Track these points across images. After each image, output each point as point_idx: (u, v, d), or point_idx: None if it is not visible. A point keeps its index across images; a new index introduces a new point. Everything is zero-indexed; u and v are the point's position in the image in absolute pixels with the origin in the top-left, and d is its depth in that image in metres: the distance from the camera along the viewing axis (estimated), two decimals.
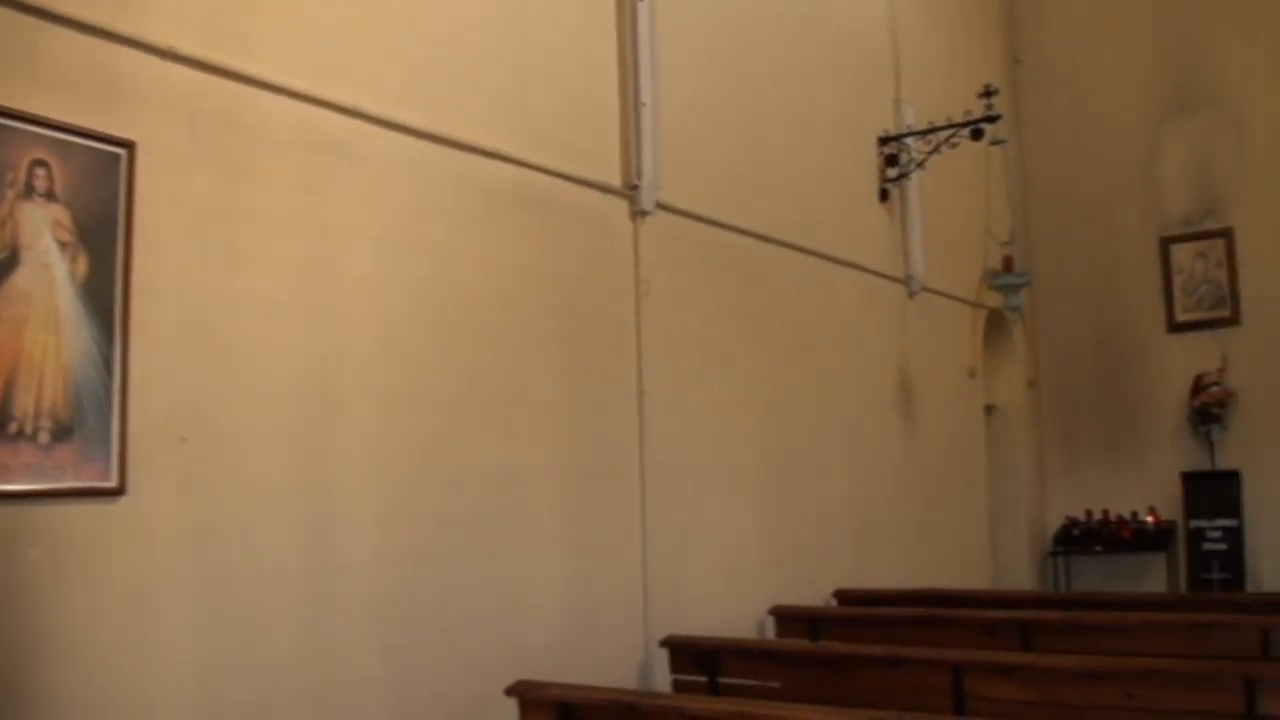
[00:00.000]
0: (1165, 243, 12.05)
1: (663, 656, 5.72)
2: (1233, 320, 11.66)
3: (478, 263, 5.06)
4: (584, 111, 5.82)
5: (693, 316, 6.43)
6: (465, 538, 4.87)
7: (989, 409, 11.20)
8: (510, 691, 4.58)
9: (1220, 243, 11.78)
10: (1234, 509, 10.75)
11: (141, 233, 3.75)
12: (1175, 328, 11.96)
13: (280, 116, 4.27)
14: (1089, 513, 11.85)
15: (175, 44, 3.90)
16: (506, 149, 5.21)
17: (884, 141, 8.78)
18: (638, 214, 5.97)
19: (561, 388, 5.46)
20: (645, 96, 6.03)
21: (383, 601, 4.51)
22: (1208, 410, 11.41)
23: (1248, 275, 11.65)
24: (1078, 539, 11.76)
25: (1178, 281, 11.98)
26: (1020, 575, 11.41)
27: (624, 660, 5.73)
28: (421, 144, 4.83)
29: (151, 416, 3.74)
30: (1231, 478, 10.95)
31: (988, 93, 8.39)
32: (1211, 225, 11.83)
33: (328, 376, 4.36)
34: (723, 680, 5.50)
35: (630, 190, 5.94)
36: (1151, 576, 11.72)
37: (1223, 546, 10.65)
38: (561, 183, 5.55)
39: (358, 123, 4.55)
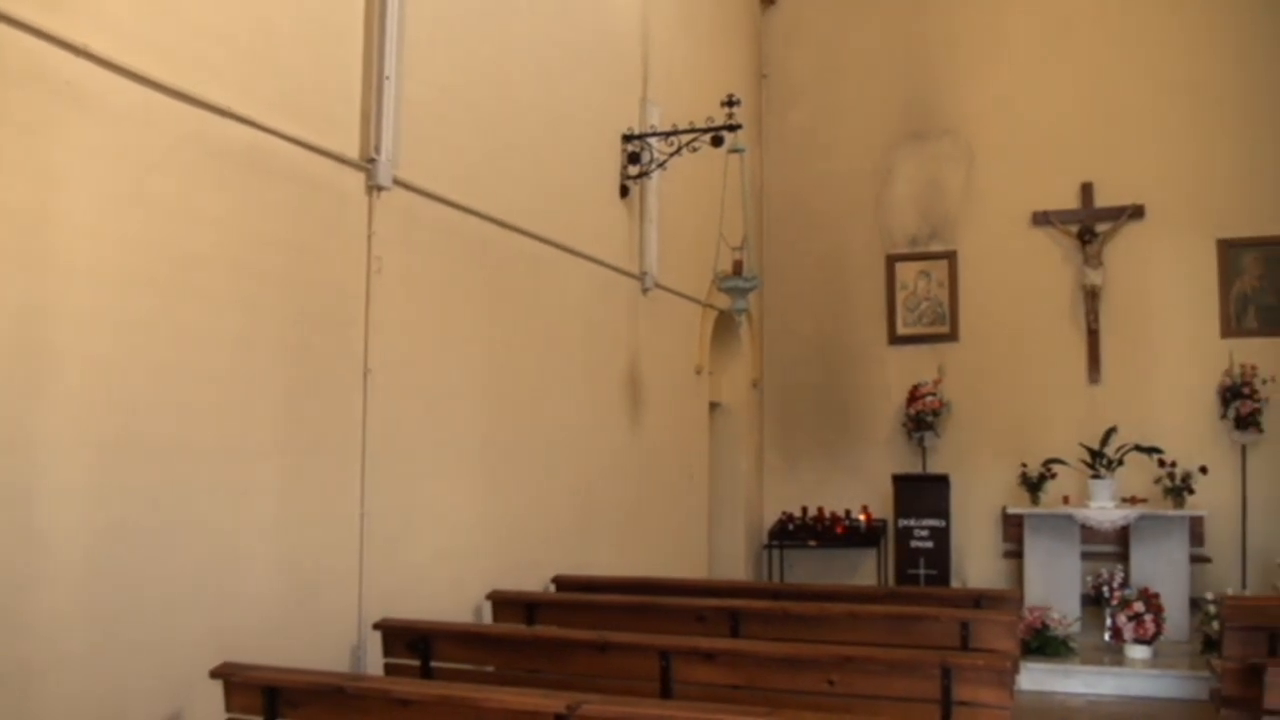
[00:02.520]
0: (892, 260, 12.74)
1: (376, 640, 5.64)
2: (951, 337, 12.45)
3: (204, 225, 4.81)
4: (327, 79, 5.62)
5: (425, 297, 6.34)
6: (175, 512, 4.62)
7: (714, 406, 11.54)
8: (215, 673, 4.45)
9: (943, 264, 12.54)
10: (942, 510, 11.41)
11: None
12: (896, 340, 12.66)
13: (3, 46, 3.93)
14: (805, 509, 12.42)
15: None
16: (243, 109, 4.97)
17: (628, 139, 8.90)
18: (374, 188, 5.81)
19: (284, 361, 5.26)
20: (390, 70, 5.88)
21: (86, 576, 4.23)
22: (922, 418, 12.11)
23: (967, 296, 12.46)
24: (793, 534, 12.28)
25: (901, 297, 12.67)
26: (737, 567, 11.81)
27: (337, 643, 5.58)
28: (154, 94, 4.54)
29: None
30: (941, 481, 11.64)
31: (730, 102, 8.62)
32: (936, 247, 12.58)
33: (33, 332, 4.04)
34: (435, 664, 5.47)
35: (368, 164, 5.78)
36: (862, 571, 12.38)
37: (930, 545, 11.29)
38: (297, 150, 5.34)
39: (87, 63, 4.23)
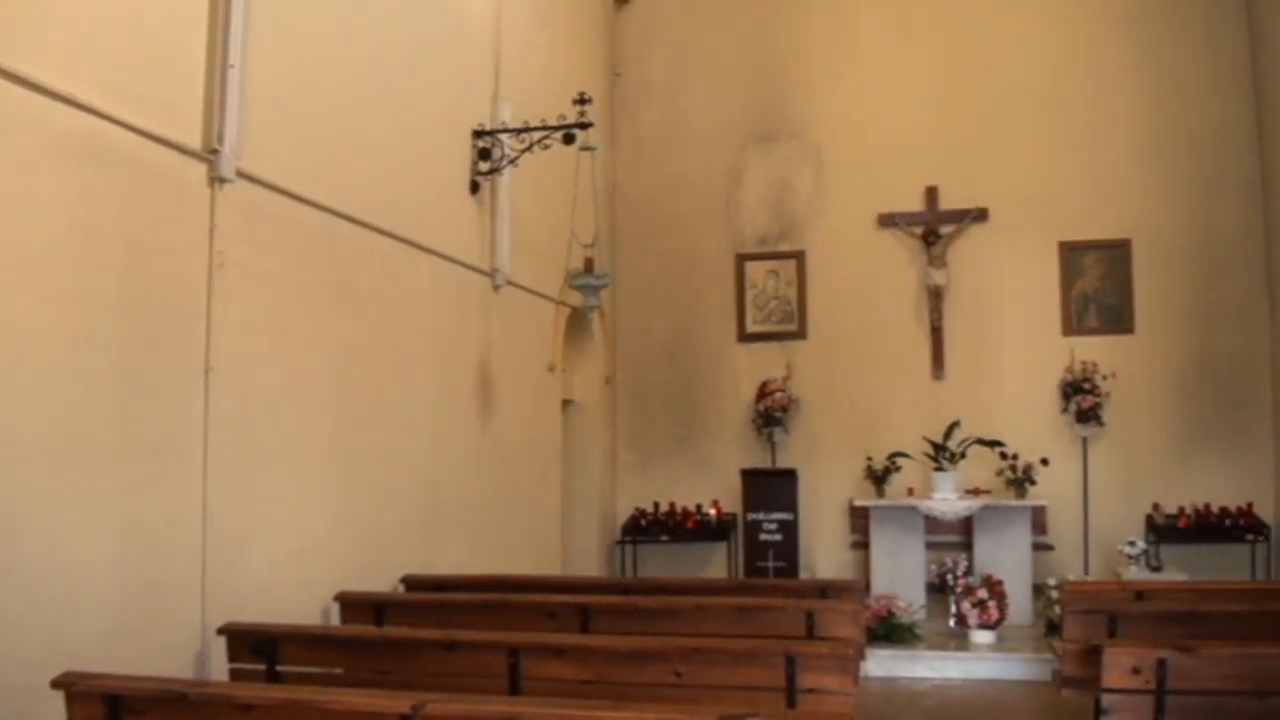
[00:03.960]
0: (741, 259, 12.94)
1: (222, 645, 5.49)
2: (799, 335, 12.71)
3: (38, 215, 4.61)
4: (168, 66, 5.43)
5: (269, 293, 6.18)
6: (7, 514, 4.43)
7: (567, 403, 11.56)
8: (56, 683, 4.27)
9: (792, 263, 12.78)
10: (790, 504, 11.56)
11: None
12: (745, 338, 12.86)
13: None
14: (657, 504, 12.54)
15: None
16: (79, 94, 4.77)
17: (479, 135, 8.84)
18: (216, 180, 5.64)
19: (123, 358, 5.07)
20: (234, 58, 5.70)
21: None
22: (771, 414, 12.33)
23: (814, 295, 12.73)
24: (646, 529, 12.38)
25: (750, 295, 12.87)
26: (590, 563, 11.86)
27: (182, 649, 5.42)
28: None
29: None
30: (789, 476, 11.82)
31: (582, 100, 8.63)
32: (785, 247, 12.82)
33: None
34: (282, 668, 5.35)
35: (210, 155, 5.60)
36: (714, 564, 12.57)
37: (778, 537, 11.45)
38: (138, 139, 5.15)
39: None
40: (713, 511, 12.38)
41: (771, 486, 11.69)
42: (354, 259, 7.10)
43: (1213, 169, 11.99)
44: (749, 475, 11.90)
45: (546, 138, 8.71)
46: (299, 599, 6.37)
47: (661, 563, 12.57)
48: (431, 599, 6.79)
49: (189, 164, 5.55)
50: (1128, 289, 12.13)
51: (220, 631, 5.49)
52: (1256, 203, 11.85)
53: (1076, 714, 6.85)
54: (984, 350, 12.34)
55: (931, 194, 12.53)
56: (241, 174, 5.83)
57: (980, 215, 12.36)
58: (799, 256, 12.83)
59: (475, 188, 8.84)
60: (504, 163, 8.91)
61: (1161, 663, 4.68)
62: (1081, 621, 6.18)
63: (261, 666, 5.38)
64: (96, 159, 4.96)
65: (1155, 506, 11.56)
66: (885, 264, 12.61)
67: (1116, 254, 12.16)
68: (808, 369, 12.65)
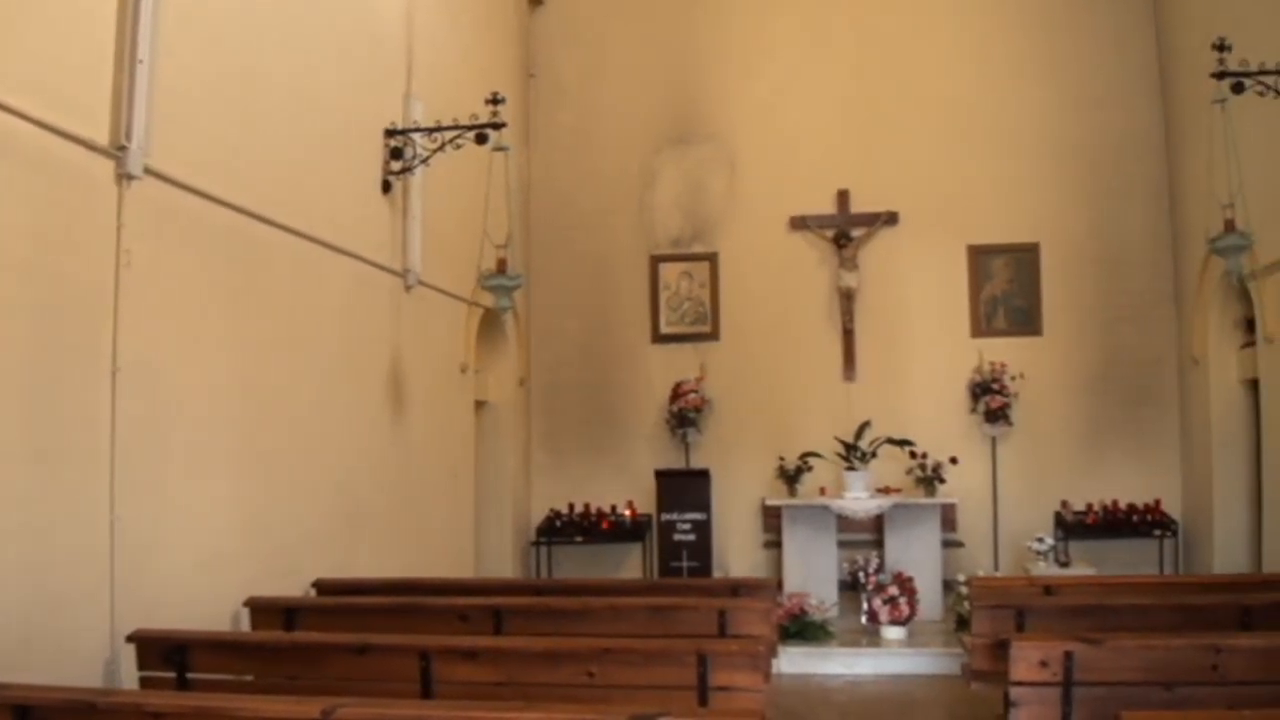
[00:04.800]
0: (655, 260, 13.01)
1: (132, 652, 5.39)
2: (712, 336, 12.82)
3: None
4: (76, 61, 5.30)
5: (178, 292, 6.05)
6: None
7: (480, 404, 11.51)
8: None
9: (705, 265, 12.88)
10: (703, 504, 11.68)
11: None
12: (660, 339, 12.93)
13: None
14: (572, 506, 12.56)
15: None
16: None
17: (391, 134, 8.76)
18: (124, 177, 5.50)
19: (26, 358, 4.94)
20: (143, 53, 5.57)
21: None
22: (685, 415, 12.40)
23: (728, 296, 12.84)
24: (560, 530, 12.40)
25: (664, 297, 12.94)
26: (504, 565, 11.85)
27: (91, 657, 5.29)
28: None
29: None
30: (702, 476, 11.91)
31: (495, 100, 8.60)
32: (699, 249, 12.91)
33: None
34: (193, 675, 5.28)
35: (118, 151, 5.47)
36: (628, 565, 12.63)
37: (692, 537, 11.56)
38: (43, 134, 5.01)
39: None
40: (627, 512, 12.43)
41: (685, 487, 11.77)
42: (264, 258, 6.99)
43: (1121, 176, 12.34)
44: (663, 476, 11.96)
45: (459, 137, 8.67)
46: (209, 605, 6.26)
47: (577, 564, 12.57)
48: (343, 603, 6.72)
49: (96, 160, 5.42)
50: (1036, 292, 12.41)
51: (130, 639, 5.39)
52: (1163, 208, 12.23)
53: (986, 707, 6.97)
54: (894, 351, 12.55)
55: (843, 197, 12.71)
56: (149, 171, 5.71)
57: (891, 219, 12.57)
58: (712, 258, 12.92)
59: (387, 187, 8.76)
60: (416, 162, 8.84)
61: (1068, 655, 4.80)
62: (990, 616, 6.30)
63: (172, 674, 5.31)
64: (0, 154, 4.83)
65: (1064, 503, 11.86)
66: (797, 266, 12.77)
67: (1025, 257, 12.45)
68: (721, 370, 12.76)
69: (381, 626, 5.89)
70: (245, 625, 6.47)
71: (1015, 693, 4.89)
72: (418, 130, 8.85)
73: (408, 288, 9.15)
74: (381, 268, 8.72)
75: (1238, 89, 8.04)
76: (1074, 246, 12.36)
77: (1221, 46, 8.05)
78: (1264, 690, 4.71)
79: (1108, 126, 12.37)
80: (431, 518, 9.75)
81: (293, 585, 7.13)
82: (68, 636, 5.18)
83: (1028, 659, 4.86)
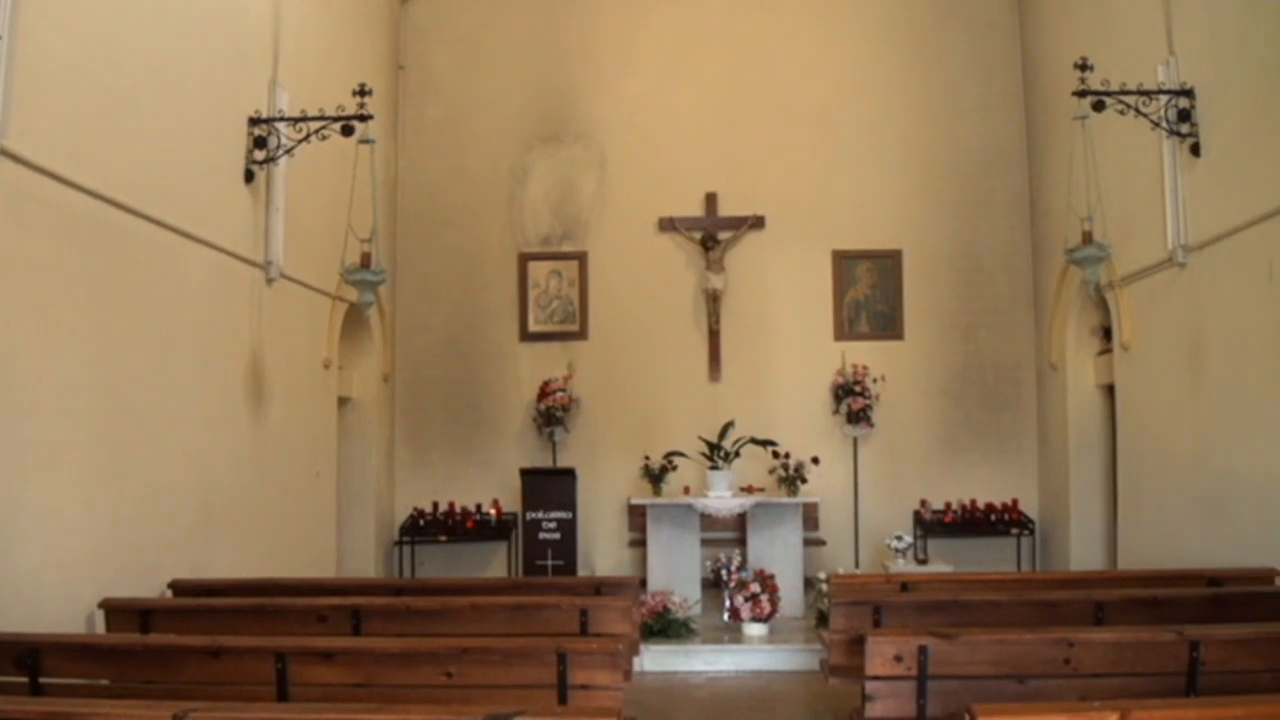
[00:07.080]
0: (524, 258, 12.99)
1: None
2: (580, 335, 12.84)
3: None
4: None
5: (30, 280, 5.81)
6: None
7: (343, 401, 11.37)
8: None
9: (574, 264, 12.90)
10: (569, 503, 11.69)
11: None
12: (528, 337, 12.91)
13: None
14: (436, 504, 12.46)
15: None
16: None
17: (254, 123, 8.56)
18: None
19: None
20: (1, 29, 5.37)
21: None
22: (552, 413, 12.40)
23: (596, 296, 12.88)
24: (425, 529, 12.31)
25: (533, 295, 12.93)
26: (367, 565, 11.70)
27: None
28: None
29: None
30: (568, 475, 11.91)
31: (362, 91, 8.48)
32: (568, 247, 12.93)
33: None
34: (45, 680, 5.11)
35: None
36: (494, 564, 12.60)
37: (557, 536, 11.57)
38: None
39: None
40: (493, 511, 12.39)
41: (551, 485, 11.76)
42: (121, 246, 6.76)
43: (983, 186, 12.75)
44: (528, 474, 11.93)
45: (325, 128, 8.53)
46: (63, 606, 6.06)
47: (442, 563, 12.48)
48: (199, 604, 6.59)
49: None
50: (898, 297, 12.72)
51: None
52: (1024, 219, 12.68)
53: (845, 702, 7.12)
54: (759, 353, 12.75)
55: (711, 200, 12.85)
56: (3, 152, 5.48)
57: (758, 223, 12.75)
58: (581, 257, 12.94)
59: (250, 177, 8.55)
60: (280, 152, 8.66)
61: (922, 650, 4.91)
62: (848, 613, 6.41)
63: (24, 679, 5.13)
64: None
65: (923, 503, 12.18)
66: (665, 267, 12.88)
67: (888, 263, 12.76)
68: (589, 369, 12.79)
69: (238, 628, 5.82)
70: (100, 627, 6.29)
71: (871, 687, 4.99)
72: (282, 120, 8.68)
73: (269, 280, 8.94)
74: (242, 259, 8.49)
75: (1099, 107, 8.33)
76: (936, 254, 12.71)
77: (1084, 66, 8.33)
78: (1116, 682, 4.87)
79: (971, 139, 12.77)
80: (292, 516, 9.56)
81: (149, 586, 6.95)
82: None
83: (883, 654, 4.96)
